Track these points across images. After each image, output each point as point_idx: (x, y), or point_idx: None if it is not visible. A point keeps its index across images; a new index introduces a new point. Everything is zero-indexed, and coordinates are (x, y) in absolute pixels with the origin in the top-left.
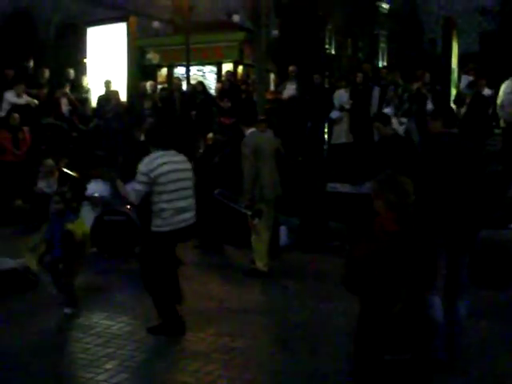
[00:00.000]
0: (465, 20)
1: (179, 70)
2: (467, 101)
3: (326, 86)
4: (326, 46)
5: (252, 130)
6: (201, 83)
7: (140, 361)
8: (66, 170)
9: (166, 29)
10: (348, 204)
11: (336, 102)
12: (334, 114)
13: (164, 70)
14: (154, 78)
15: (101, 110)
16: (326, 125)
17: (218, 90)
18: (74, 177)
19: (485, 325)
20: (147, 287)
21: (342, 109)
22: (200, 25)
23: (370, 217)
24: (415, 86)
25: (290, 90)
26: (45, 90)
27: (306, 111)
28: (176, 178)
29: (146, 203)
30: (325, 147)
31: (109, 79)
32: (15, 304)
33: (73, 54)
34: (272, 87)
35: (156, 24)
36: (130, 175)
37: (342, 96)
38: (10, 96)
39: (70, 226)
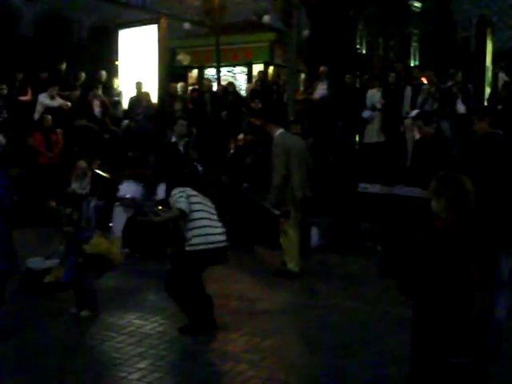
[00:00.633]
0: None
1: (209, 72)
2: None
3: (357, 85)
4: (357, 46)
5: (281, 130)
6: (231, 84)
7: (172, 360)
8: (98, 171)
9: (196, 30)
10: (380, 205)
11: (368, 102)
12: (366, 114)
13: (195, 72)
14: (184, 79)
15: (132, 111)
16: (358, 125)
17: (250, 91)
18: (106, 178)
19: None
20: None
21: (373, 108)
22: (230, 26)
23: (404, 216)
24: (449, 84)
25: (320, 90)
26: (77, 93)
27: (337, 111)
28: None
29: None
30: (356, 147)
31: (140, 81)
32: (49, 304)
33: (105, 56)
34: (302, 88)
35: (187, 25)
36: (161, 177)
37: (374, 95)
38: (44, 98)
39: (85, 247)
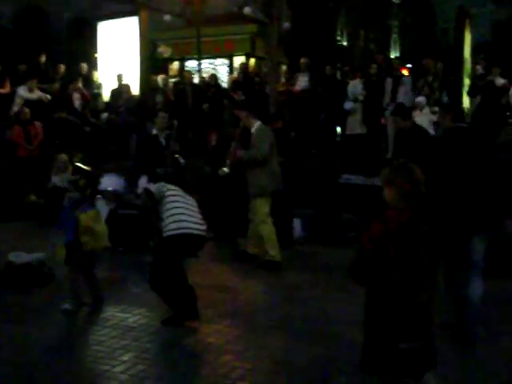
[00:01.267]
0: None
1: (191, 64)
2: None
3: (338, 77)
4: (338, 38)
5: (259, 122)
6: (214, 76)
7: (156, 353)
8: (79, 164)
9: (177, 22)
10: (362, 195)
11: (350, 93)
12: (348, 105)
13: (175, 64)
14: (165, 71)
15: (113, 104)
16: (339, 116)
17: (232, 83)
18: (87, 171)
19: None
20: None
21: (355, 100)
22: (211, 18)
23: (381, 208)
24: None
25: (302, 82)
26: (57, 85)
27: (318, 103)
28: None
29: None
30: (337, 139)
31: (121, 73)
32: (30, 298)
33: (84, 48)
34: (283, 79)
35: (167, 17)
36: (142, 169)
37: (355, 87)
38: (23, 91)
39: (81, 217)
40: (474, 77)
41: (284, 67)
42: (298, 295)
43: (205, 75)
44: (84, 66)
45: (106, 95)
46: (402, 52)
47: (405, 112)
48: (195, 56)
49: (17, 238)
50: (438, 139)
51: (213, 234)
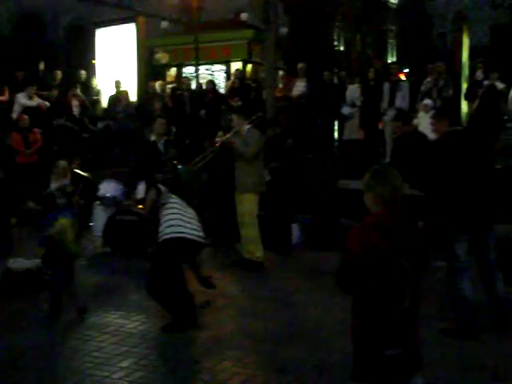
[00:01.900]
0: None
1: (188, 70)
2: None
3: (335, 82)
4: (335, 43)
5: (249, 126)
6: (211, 82)
7: (155, 359)
8: (78, 171)
9: (174, 28)
10: (359, 201)
11: (348, 98)
12: (346, 110)
13: (173, 70)
14: (163, 77)
15: (111, 110)
16: (336, 122)
17: (229, 89)
18: (86, 178)
19: None
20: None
21: (353, 105)
22: (208, 24)
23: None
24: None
25: (299, 87)
26: (55, 92)
27: (315, 108)
28: None
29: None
30: (335, 144)
31: (119, 79)
32: (29, 304)
33: (82, 55)
34: (281, 85)
35: (164, 24)
36: (141, 175)
37: (353, 92)
38: (22, 98)
39: (62, 220)
40: (471, 81)
41: (281, 73)
42: (296, 301)
43: (202, 81)
44: (82, 73)
45: (104, 102)
46: (398, 57)
47: (406, 117)
48: (192, 62)
49: (15, 244)
50: (439, 143)
51: (211, 239)
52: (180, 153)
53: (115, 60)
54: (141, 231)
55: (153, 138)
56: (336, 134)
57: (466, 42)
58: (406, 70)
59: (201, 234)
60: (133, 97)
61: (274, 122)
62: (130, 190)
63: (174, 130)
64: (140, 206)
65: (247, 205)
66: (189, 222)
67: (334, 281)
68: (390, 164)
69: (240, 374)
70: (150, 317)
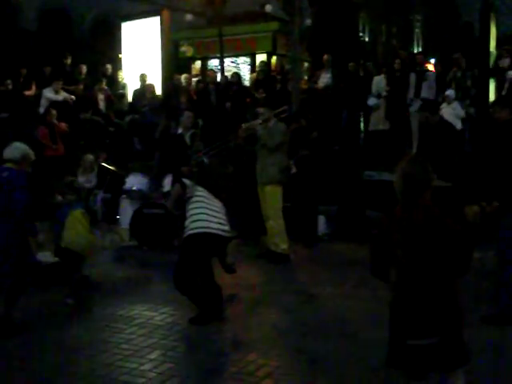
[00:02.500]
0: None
1: (213, 62)
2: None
3: (361, 73)
4: (360, 34)
5: (275, 119)
6: (236, 74)
7: (183, 351)
8: (104, 164)
9: (199, 21)
10: (385, 192)
11: (374, 89)
12: (372, 101)
13: (198, 63)
14: (188, 70)
15: (137, 104)
16: (362, 113)
17: (253, 81)
18: (112, 171)
19: None
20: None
21: (379, 96)
22: (233, 16)
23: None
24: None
25: (324, 78)
26: (81, 86)
27: (341, 100)
28: None
29: None
30: (361, 135)
31: (144, 73)
32: (56, 297)
33: (108, 49)
34: (306, 77)
35: (189, 17)
36: (167, 169)
37: (379, 82)
38: (48, 93)
39: (76, 213)
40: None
41: (306, 64)
42: (322, 293)
43: (227, 74)
44: (108, 67)
45: (130, 95)
46: (425, 47)
47: (433, 107)
48: (217, 55)
49: (45, 238)
50: (498, 131)
51: (237, 232)
52: (206, 145)
53: (140, 54)
54: (167, 224)
55: (180, 131)
56: (362, 125)
57: (493, 31)
58: (433, 60)
59: (226, 227)
60: (158, 90)
61: (299, 114)
62: (156, 183)
63: (200, 123)
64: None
65: (271, 197)
66: (214, 216)
67: (360, 272)
68: (417, 153)
69: (266, 366)
70: (178, 309)
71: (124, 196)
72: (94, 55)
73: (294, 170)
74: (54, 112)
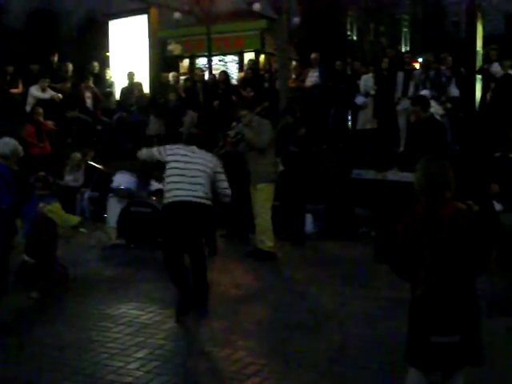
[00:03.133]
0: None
1: (201, 61)
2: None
3: (349, 72)
4: (348, 32)
5: (257, 117)
6: (224, 73)
7: (170, 349)
8: (91, 163)
9: (186, 20)
10: (373, 190)
11: (362, 87)
12: (359, 100)
13: (186, 61)
14: (176, 69)
15: (124, 102)
16: (350, 112)
17: (241, 80)
18: (100, 170)
19: None
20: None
21: (367, 94)
22: (220, 14)
23: (398, 202)
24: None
25: (312, 77)
26: (68, 84)
27: (328, 98)
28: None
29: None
30: (349, 134)
31: (132, 71)
32: (43, 296)
33: (95, 47)
34: (293, 75)
35: (177, 15)
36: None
37: (366, 81)
38: (35, 91)
39: (48, 207)
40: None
41: (294, 63)
42: (310, 291)
43: (215, 72)
44: (95, 65)
45: (117, 94)
46: (412, 46)
47: (425, 103)
48: (205, 53)
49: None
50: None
51: (226, 230)
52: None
53: (128, 52)
54: (155, 222)
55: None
56: (350, 124)
57: (480, 30)
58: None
59: (193, 194)
60: (146, 88)
61: (286, 111)
62: (143, 181)
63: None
64: (154, 198)
65: (260, 195)
66: (182, 189)
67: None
68: (404, 151)
69: (254, 364)
70: (165, 308)
71: (111, 194)
72: (81, 53)
73: (281, 167)
74: (40, 110)
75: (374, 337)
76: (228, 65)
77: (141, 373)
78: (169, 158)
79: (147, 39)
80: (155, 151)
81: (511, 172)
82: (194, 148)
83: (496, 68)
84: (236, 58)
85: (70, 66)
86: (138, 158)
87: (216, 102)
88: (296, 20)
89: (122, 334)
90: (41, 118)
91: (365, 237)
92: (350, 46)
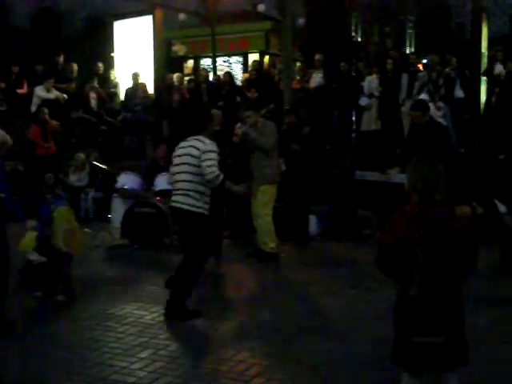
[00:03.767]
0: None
1: (205, 62)
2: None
3: (353, 73)
4: (353, 34)
5: (262, 119)
6: (228, 74)
7: (174, 350)
8: (96, 163)
9: (191, 20)
10: (377, 192)
11: (366, 89)
12: (363, 101)
13: (190, 62)
14: (180, 69)
15: (129, 102)
16: (354, 113)
17: (245, 81)
18: (104, 170)
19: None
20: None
21: (371, 96)
22: (225, 15)
23: (399, 204)
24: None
25: (316, 78)
26: (73, 85)
27: (333, 100)
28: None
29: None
30: (353, 135)
31: (137, 72)
32: (48, 296)
33: (100, 48)
34: (298, 76)
35: (181, 16)
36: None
37: (371, 83)
38: (40, 91)
39: (61, 210)
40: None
41: (298, 64)
42: (313, 292)
43: (219, 73)
44: (100, 66)
45: (122, 94)
46: (417, 47)
47: (425, 107)
48: (210, 54)
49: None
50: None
51: (229, 231)
52: None
53: (133, 52)
54: (158, 223)
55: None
56: (354, 125)
57: (485, 32)
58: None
59: (179, 198)
60: (150, 89)
61: (290, 111)
62: (148, 182)
63: None
64: (158, 198)
65: (262, 196)
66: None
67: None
68: (403, 153)
69: (257, 365)
70: None
71: (115, 195)
72: (85, 54)
73: (283, 167)
74: (46, 110)
75: (378, 338)
76: (232, 66)
77: (144, 373)
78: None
79: (152, 40)
80: None
81: None
82: (191, 139)
83: (499, 69)
84: (240, 58)
85: (75, 67)
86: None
87: (220, 103)
88: (301, 21)
89: (126, 334)
90: (46, 117)
91: (369, 238)
92: (355, 47)
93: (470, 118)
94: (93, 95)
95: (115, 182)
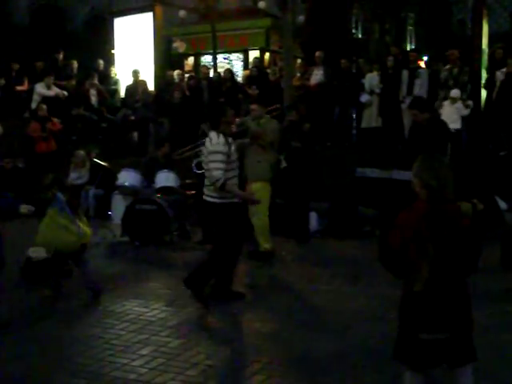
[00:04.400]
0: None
1: (206, 59)
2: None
3: (353, 70)
4: (353, 31)
5: (268, 116)
6: (229, 71)
7: (175, 346)
8: (96, 160)
9: (191, 17)
10: (378, 189)
11: (367, 86)
12: (364, 98)
13: (191, 59)
14: (180, 66)
15: (129, 99)
16: (355, 110)
17: (246, 77)
18: (104, 167)
19: None
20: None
21: (371, 92)
22: (226, 12)
23: (403, 200)
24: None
25: (317, 75)
26: (73, 82)
27: (333, 97)
28: None
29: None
30: (353, 132)
31: (137, 69)
32: (49, 292)
33: (100, 45)
34: (298, 73)
35: (182, 13)
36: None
37: (372, 79)
38: (40, 88)
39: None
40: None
41: (299, 61)
42: (315, 289)
43: (220, 70)
44: (100, 63)
45: (122, 91)
46: (417, 44)
47: (422, 105)
48: (210, 51)
49: (36, 234)
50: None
51: None
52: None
53: (133, 49)
54: (159, 220)
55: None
56: (354, 122)
57: (485, 29)
58: (426, 58)
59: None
60: (150, 86)
61: (291, 107)
62: (148, 178)
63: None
64: (159, 195)
65: (258, 194)
66: None
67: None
68: (405, 151)
69: (258, 362)
70: (169, 305)
71: (116, 192)
72: (86, 51)
73: (283, 164)
74: (44, 107)
75: (379, 335)
76: (233, 62)
77: (145, 370)
78: None
79: (152, 37)
80: None
81: None
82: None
83: (500, 78)
84: (241, 55)
85: (75, 64)
86: None
87: (221, 100)
88: (301, 18)
89: (127, 331)
90: (46, 114)
91: (369, 235)
92: (355, 44)
93: (470, 115)
94: (93, 92)
95: (116, 178)
